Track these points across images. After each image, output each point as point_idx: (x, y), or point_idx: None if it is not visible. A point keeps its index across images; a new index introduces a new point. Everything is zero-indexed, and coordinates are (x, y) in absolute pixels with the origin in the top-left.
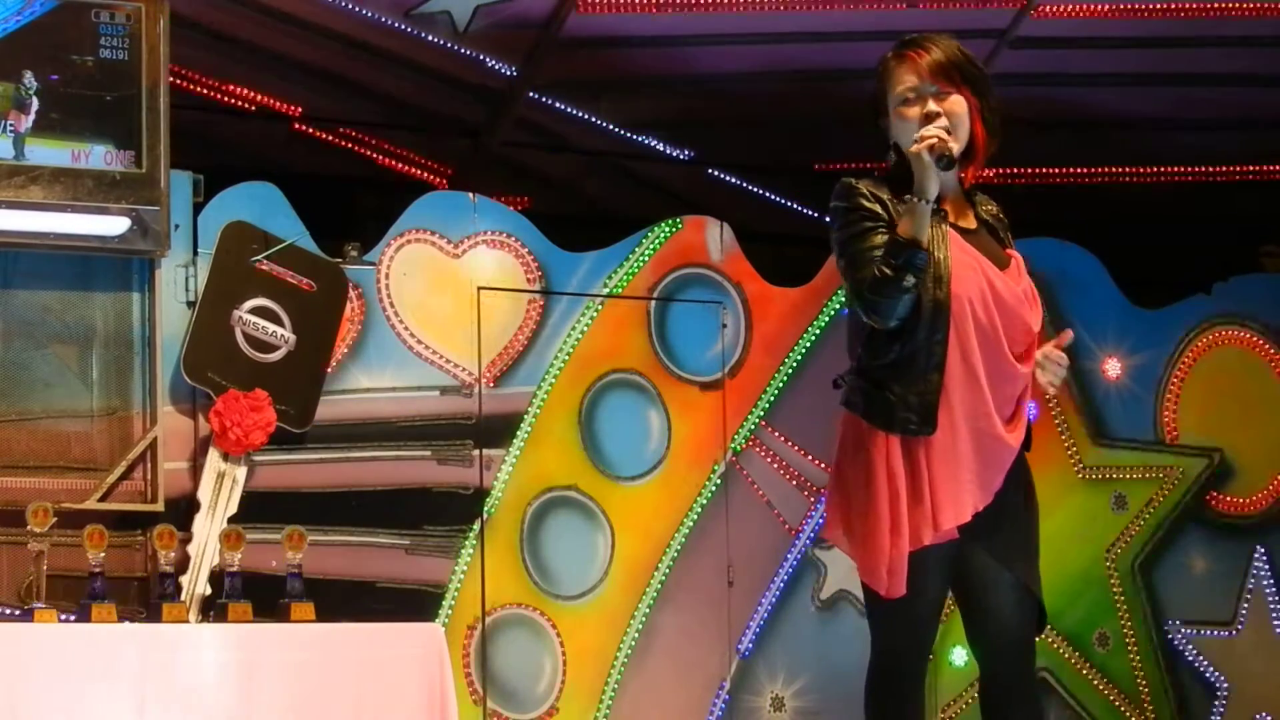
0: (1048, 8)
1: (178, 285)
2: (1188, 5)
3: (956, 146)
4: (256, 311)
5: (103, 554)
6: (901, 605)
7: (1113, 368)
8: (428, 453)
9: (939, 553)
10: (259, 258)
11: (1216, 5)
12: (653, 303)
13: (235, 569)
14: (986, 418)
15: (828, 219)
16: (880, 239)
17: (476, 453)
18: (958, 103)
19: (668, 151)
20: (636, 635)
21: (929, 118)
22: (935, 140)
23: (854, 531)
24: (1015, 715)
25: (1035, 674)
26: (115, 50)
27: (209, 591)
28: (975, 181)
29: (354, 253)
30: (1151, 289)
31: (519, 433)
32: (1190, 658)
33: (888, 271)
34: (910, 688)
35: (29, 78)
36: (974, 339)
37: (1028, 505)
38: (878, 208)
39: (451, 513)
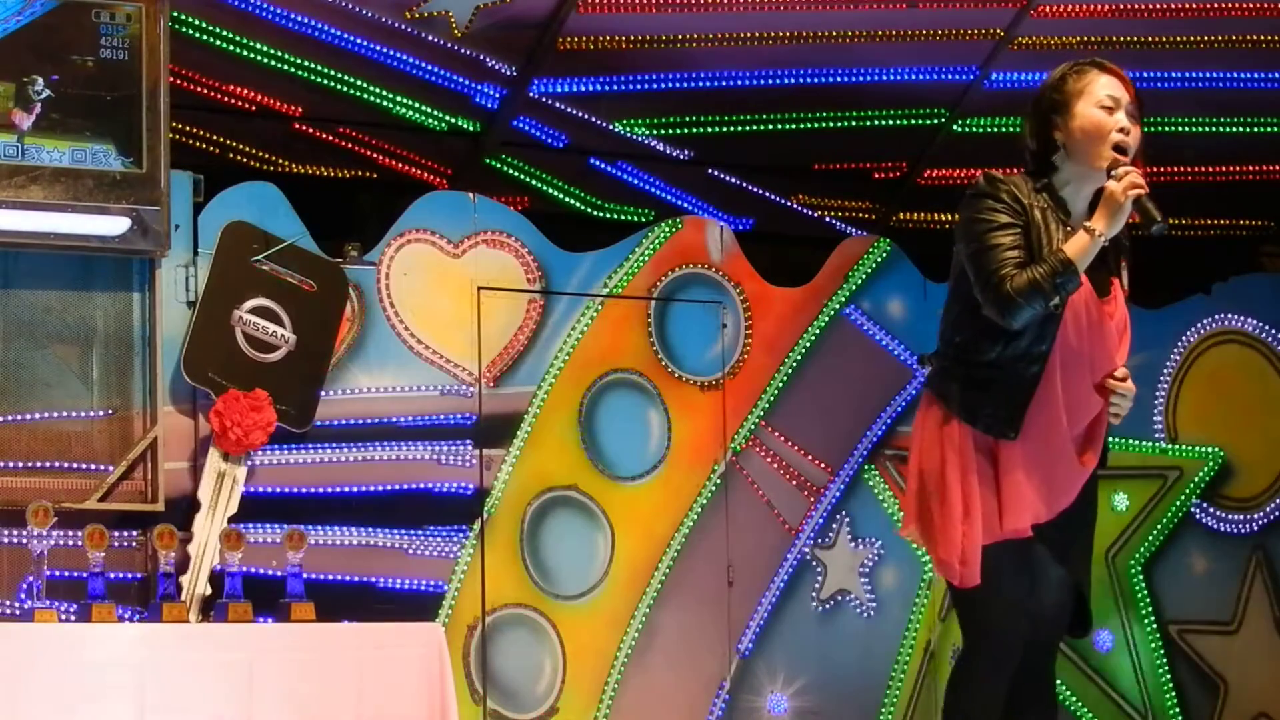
0: (1048, 8)
1: (178, 285)
2: (1188, 5)
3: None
4: (256, 311)
5: (103, 554)
6: (986, 599)
7: None
8: (428, 453)
9: (1015, 548)
10: (259, 258)
11: (1217, 5)
12: (653, 303)
13: (235, 569)
14: (1060, 437)
15: (963, 206)
16: (1014, 238)
17: (476, 453)
18: (1138, 135)
19: (668, 151)
20: (636, 635)
21: (1124, 132)
22: (1145, 190)
23: (930, 520)
24: (1030, 711)
25: (1055, 675)
26: (115, 50)
27: (209, 591)
28: None
29: (354, 253)
30: (1151, 289)
31: (519, 433)
32: (1190, 658)
33: (1043, 285)
34: (994, 680)
35: (37, 80)
36: (1058, 358)
37: (1088, 511)
38: (1016, 205)
39: (451, 513)
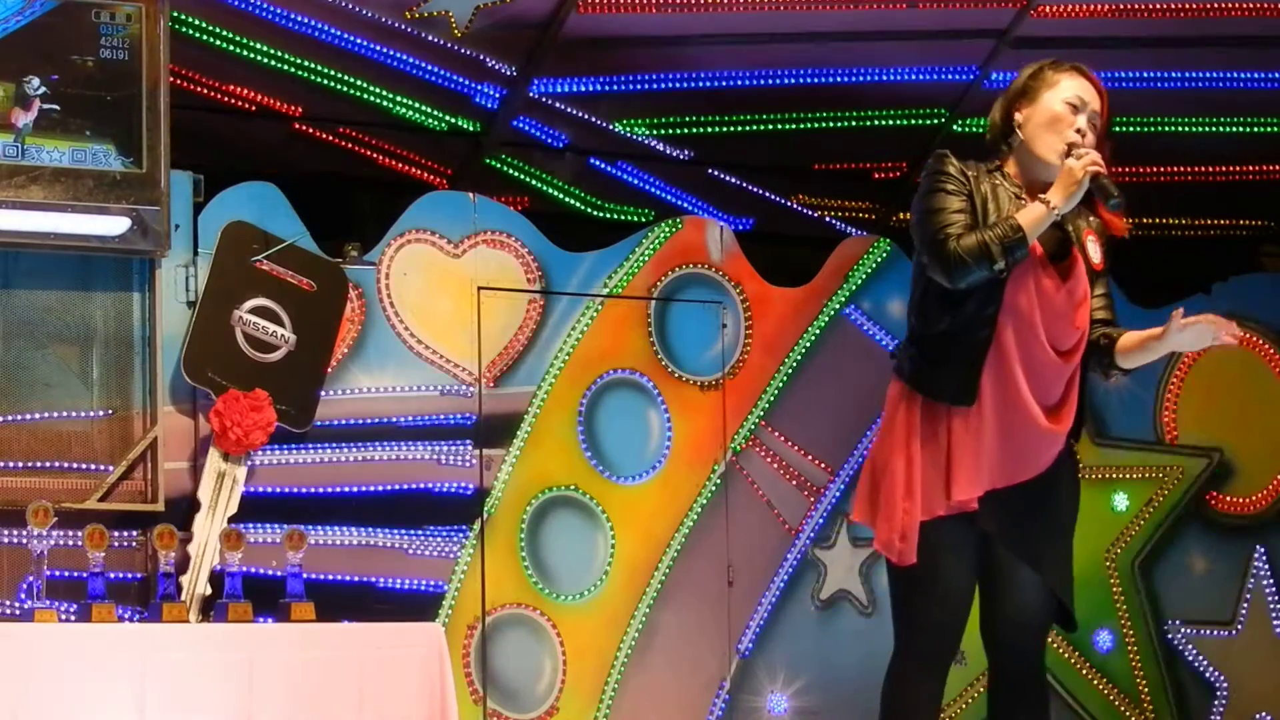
0: (1048, 8)
1: (178, 285)
2: (1188, 5)
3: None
4: (256, 311)
5: (103, 554)
6: (922, 585)
7: None
8: (428, 453)
9: (959, 531)
10: (259, 258)
11: (1216, 5)
12: (653, 303)
13: (235, 569)
14: (1019, 400)
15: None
16: (960, 202)
17: (476, 453)
18: (1094, 144)
19: (668, 151)
20: (636, 635)
21: (1080, 133)
22: (1101, 169)
23: (877, 497)
24: (1020, 713)
25: (1044, 673)
26: (115, 50)
27: (209, 591)
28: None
29: (354, 253)
30: (1151, 289)
31: (519, 433)
32: (1190, 658)
33: (991, 247)
34: (926, 677)
35: (34, 80)
36: (1008, 319)
37: (1066, 506)
38: (961, 178)
39: (451, 513)
